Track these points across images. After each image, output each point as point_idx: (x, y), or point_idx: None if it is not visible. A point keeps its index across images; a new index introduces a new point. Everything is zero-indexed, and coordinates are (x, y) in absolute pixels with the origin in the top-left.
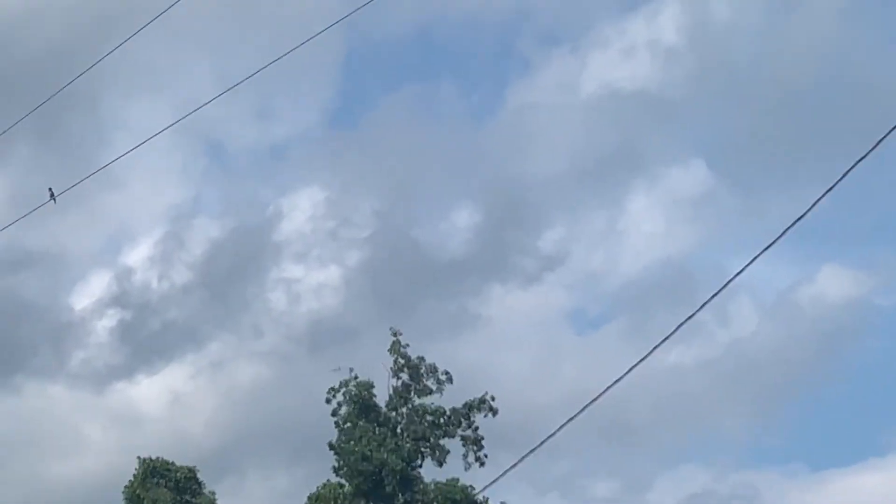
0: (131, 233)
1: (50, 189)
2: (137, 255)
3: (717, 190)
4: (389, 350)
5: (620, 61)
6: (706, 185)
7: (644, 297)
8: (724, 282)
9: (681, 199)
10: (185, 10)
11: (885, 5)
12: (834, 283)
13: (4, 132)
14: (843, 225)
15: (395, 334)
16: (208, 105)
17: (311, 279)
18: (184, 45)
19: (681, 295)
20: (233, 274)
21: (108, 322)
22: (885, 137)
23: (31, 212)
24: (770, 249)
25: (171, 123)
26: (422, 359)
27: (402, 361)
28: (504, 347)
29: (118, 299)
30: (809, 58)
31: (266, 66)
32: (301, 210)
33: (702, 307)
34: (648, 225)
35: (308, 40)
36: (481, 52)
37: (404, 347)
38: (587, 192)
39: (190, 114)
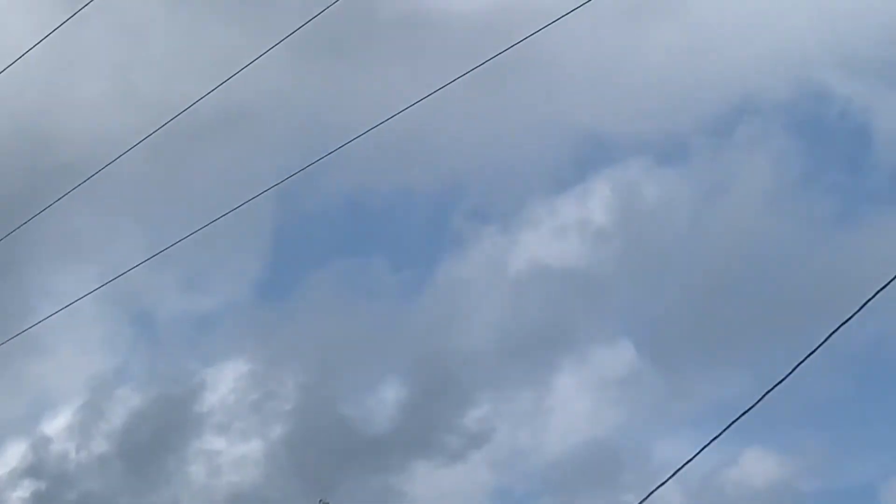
0: (51, 401)
1: None
2: (56, 425)
3: (644, 370)
4: None
5: (550, 240)
6: (633, 366)
7: (570, 477)
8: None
9: (608, 378)
10: (114, 177)
11: (806, 191)
12: (758, 467)
13: None
14: (767, 408)
15: None
16: (137, 274)
17: (232, 451)
18: (112, 212)
19: (607, 475)
20: (153, 445)
21: (22, 493)
22: (835, 330)
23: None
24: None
25: (95, 289)
26: None
27: None
28: None
29: (34, 469)
30: (736, 241)
31: (193, 233)
32: (225, 382)
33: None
34: (575, 404)
35: (238, 207)
36: (412, 226)
37: None
38: (514, 369)
39: (113, 280)
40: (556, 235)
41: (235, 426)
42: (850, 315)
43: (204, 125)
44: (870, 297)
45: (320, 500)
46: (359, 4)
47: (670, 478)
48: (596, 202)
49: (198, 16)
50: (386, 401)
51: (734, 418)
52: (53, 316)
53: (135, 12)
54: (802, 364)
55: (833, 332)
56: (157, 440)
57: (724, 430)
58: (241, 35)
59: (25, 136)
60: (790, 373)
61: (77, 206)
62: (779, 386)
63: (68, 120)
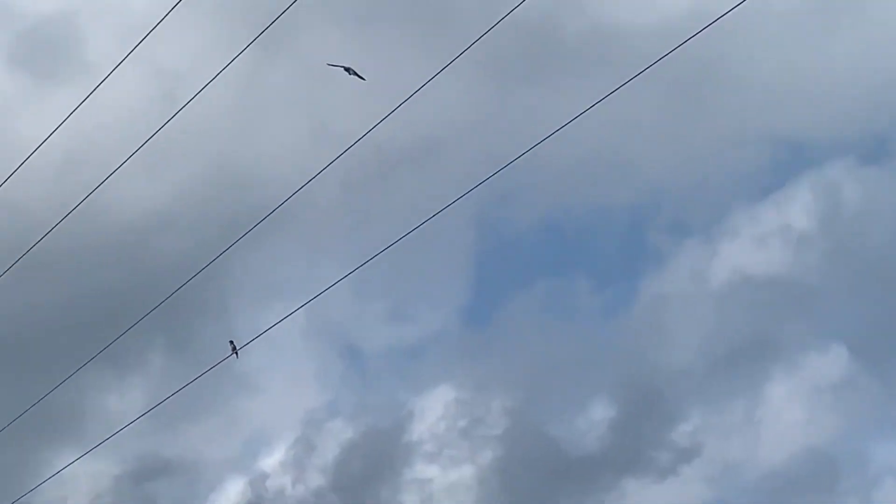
0: (267, 438)
1: (231, 342)
2: (272, 460)
3: (859, 375)
4: None
5: (753, 248)
6: (847, 371)
7: (785, 487)
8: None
9: (821, 385)
10: (314, 215)
11: None
12: None
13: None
14: None
15: None
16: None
17: (444, 479)
18: (314, 248)
19: (824, 483)
20: (366, 476)
21: None
22: None
23: (214, 366)
24: None
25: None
26: None
27: None
28: None
29: None
30: None
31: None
32: (434, 410)
33: None
34: (788, 413)
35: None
36: (611, 244)
37: None
38: (722, 381)
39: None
40: (759, 243)
41: (446, 453)
42: None
43: (398, 158)
44: None
45: None
46: (543, 28)
47: None
48: (798, 207)
49: (383, 50)
50: (594, 420)
51: None
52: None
53: (320, 51)
54: None
55: None
56: (369, 471)
57: None
58: (429, 66)
59: (225, 180)
60: None
61: (280, 245)
62: None
63: (264, 162)
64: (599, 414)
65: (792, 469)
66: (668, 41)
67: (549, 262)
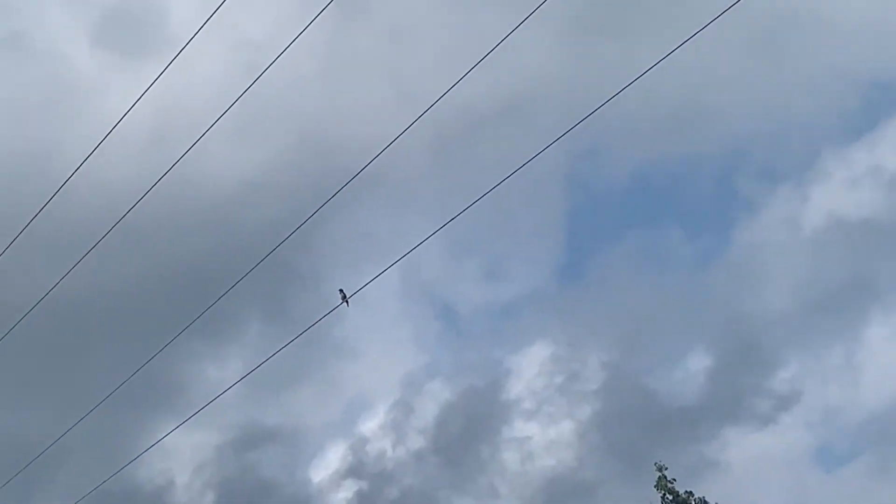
0: (366, 402)
1: (341, 290)
2: (372, 425)
3: None
4: (656, 486)
5: (845, 192)
6: None
7: (889, 430)
8: None
9: None
10: (402, 176)
11: None
12: None
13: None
14: None
15: (660, 469)
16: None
17: (543, 436)
18: (404, 210)
19: None
20: (465, 436)
21: (346, 493)
22: None
23: (327, 313)
24: None
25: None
26: (690, 493)
27: (670, 497)
28: (749, 491)
29: (354, 469)
30: None
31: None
32: (530, 367)
33: None
34: (887, 355)
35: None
36: (702, 194)
37: (671, 482)
38: (820, 327)
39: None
40: (851, 186)
41: (544, 410)
42: None
43: (483, 117)
44: None
45: None
46: None
47: None
48: (889, 148)
49: (461, 10)
50: (691, 371)
51: None
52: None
53: (400, 15)
54: None
55: None
56: (468, 431)
57: None
58: (506, 24)
59: (310, 145)
60: None
61: (369, 207)
62: None
63: (349, 125)
64: (696, 364)
65: (894, 411)
66: None
67: (641, 215)
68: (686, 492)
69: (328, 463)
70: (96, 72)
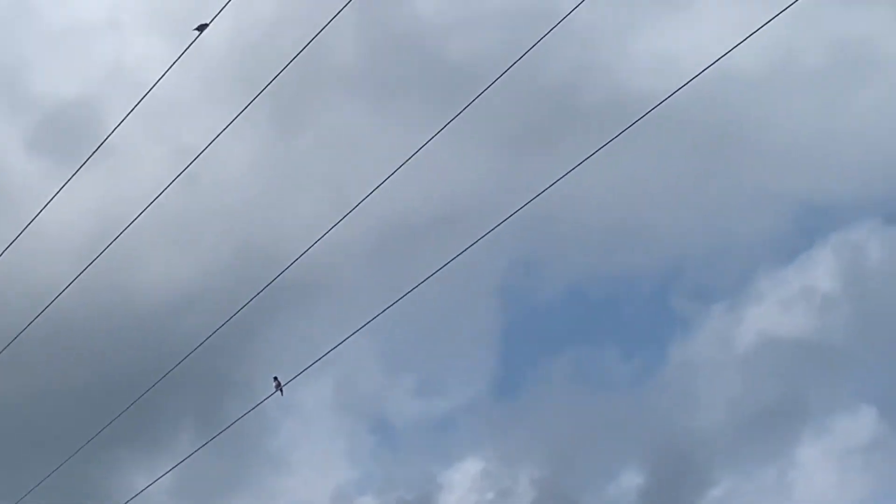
0: None
1: (276, 378)
2: None
3: (890, 437)
4: None
5: (778, 312)
6: (877, 433)
7: None
8: None
9: (851, 448)
10: (341, 288)
11: None
12: None
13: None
14: None
15: None
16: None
17: None
18: (342, 322)
19: None
20: None
21: None
22: None
23: (262, 401)
24: None
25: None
26: None
27: None
28: None
29: None
30: None
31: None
32: (461, 483)
33: None
34: (819, 476)
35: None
36: (637, 311)
37: None
38: (752, 445)
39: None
40: (784, 307)
41: None
42: None
43: (420, 226)
44: None
45: None
46: (559, 94)
47: None
48: (822, 269)
49: (400, 119)
50: (623, 488)
51: None
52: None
53: (337, 121)
54: None
55: None
56: None
57: None
58: (446, 137)
59: (252, 257)
60: None
61: (307, 319)
62: None
63: (291, 236)
64: (629, 482)
65: None
66: (687, 106)
67: (576, 331)
68: None
69: None
70: (32, 178)
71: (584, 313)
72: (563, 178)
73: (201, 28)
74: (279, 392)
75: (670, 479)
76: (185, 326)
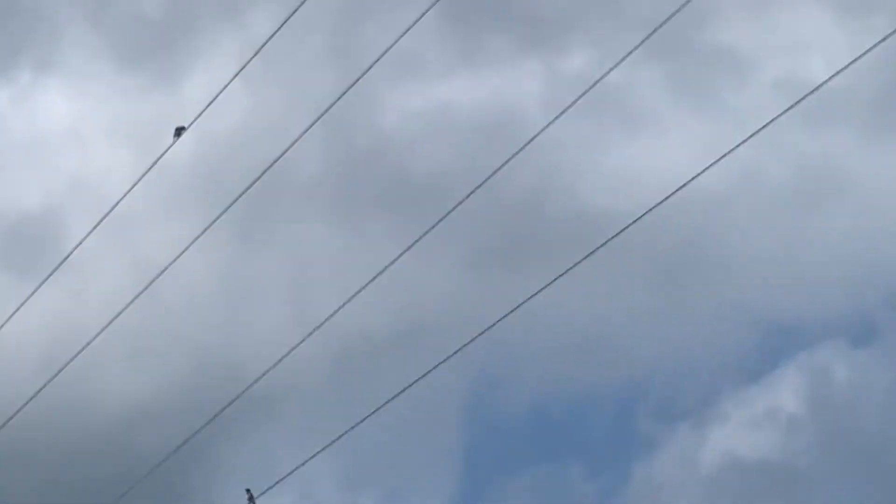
0: None
1: (248, 490)
2: None
3: None
4: None
5: (743, 432)
6: None
7: None
8: None
9: None
10: (301, 400)
11: None
12: None
13: None
14: None
15: None
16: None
17: None
18: (302, 434)
19: None
20: None
21: None
22: None
23: None
24: None
25: None
26: None
27: None
28: None
29: None
30: None
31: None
32: None
33: None
34: None
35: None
36: (601, 430)
37: None
38: None
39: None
40: (749, 427)
41: None
42: None
43: (382, 342)
44: None
45: None
46: (524, 211)
47: None
48: (787, 390)
49: (363, 235)
50: None
51: None
52: None
53: (300, 237)
54: None
55: None
56: None
57: None
58: (410, 253)
59: (210, 370)
60: None
61: (269, 434)
62: None
63: (250, 348)
64: None
65: None
66: (651, 223)
67: (540, 449)
68: None
69: None
70: None
71: (548, 431)
72: (526, 293)
73: (179, 131)
74: None
75: None
76: (145, 440)
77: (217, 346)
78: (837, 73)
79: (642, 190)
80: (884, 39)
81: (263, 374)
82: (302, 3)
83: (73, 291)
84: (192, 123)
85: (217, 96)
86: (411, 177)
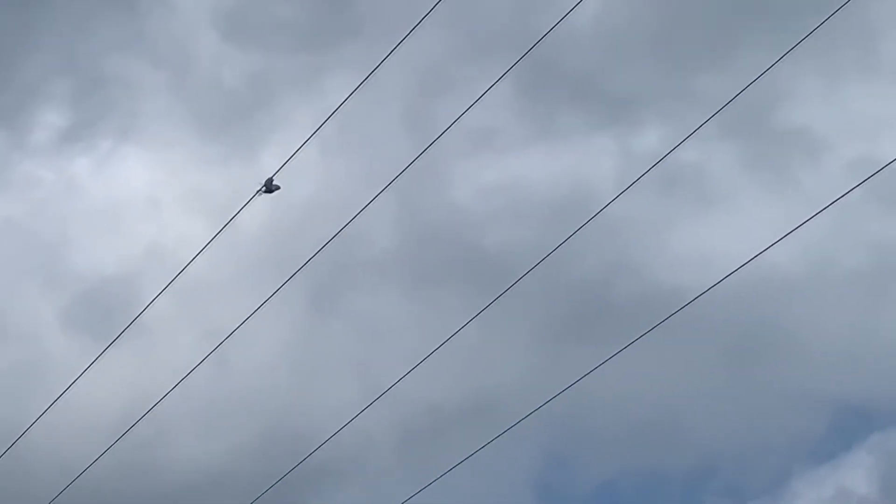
0: None
1: None
2: None
3: None
4: None
5: None
6: None
7: None
8: None
9: None
10: (369, 474)
11: None
12: None
13: None
14: None
15: None
16: None
17: None
18: None
19: None
20: None
21: None
22: None
23: None
24: None
25: None
26: None
27: None
28: None
29: None
30: None
31: None
32: None
33: None
34: None
35: None
36: None
37: None
38: None
39: None
40: None
41: None
42: None
43: (450, 416)
44: None
45: None
46: (593, 288)
47: None
48: (858, 472)
49: (434, 308)
50: None
51: None
52: None
53: (371, 308)
54: None
55: None
56: None
57: None
58: (478, 326)
59: (276, 437)
60: None
61: (334, 502)
62: None
63: (319, 420)
64: None
65: None
66: (722, 303)
67: None
68: None
69: None
70: (67, 354)
71: None
72: (595, 372)
73: (269, 186)
74: None
75: None
76: None
77: (286, 416)
78: None
79: (713, 269)
80: None
81: (326, 441)
82: (374, 70)
83: (145, 357)
84: (276, 172)
85: (289, 159)
86: (483, 251)
